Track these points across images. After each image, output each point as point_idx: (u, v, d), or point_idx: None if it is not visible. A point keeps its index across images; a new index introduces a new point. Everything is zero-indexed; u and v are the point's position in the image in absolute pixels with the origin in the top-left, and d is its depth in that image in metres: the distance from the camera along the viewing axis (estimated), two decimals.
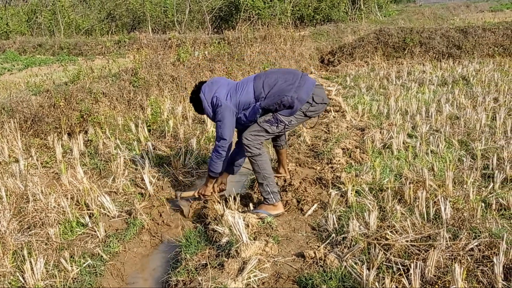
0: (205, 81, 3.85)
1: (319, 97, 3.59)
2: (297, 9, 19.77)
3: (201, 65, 8.59)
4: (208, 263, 2.92)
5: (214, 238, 3.32)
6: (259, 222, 3.47)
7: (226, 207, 3.73)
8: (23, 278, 2.84)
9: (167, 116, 6.40)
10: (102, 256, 3.27)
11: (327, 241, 3.11)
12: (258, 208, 3.67)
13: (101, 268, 3.16)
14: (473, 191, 3.50)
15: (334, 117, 6.44)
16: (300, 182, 4.13)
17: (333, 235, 3.15)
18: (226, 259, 2.88)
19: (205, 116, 4.97)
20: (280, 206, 3.66)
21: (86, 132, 5.70)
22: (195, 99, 3.82)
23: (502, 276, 2.46)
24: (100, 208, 3.82)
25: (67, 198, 3.88)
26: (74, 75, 7.17)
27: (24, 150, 5.11)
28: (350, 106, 6.85)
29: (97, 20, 22.88)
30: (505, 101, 6.32)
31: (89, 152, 5.13)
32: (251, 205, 3.81)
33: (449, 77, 8.52)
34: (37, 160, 4.79)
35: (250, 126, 3.64)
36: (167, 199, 4.27)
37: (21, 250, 3.06)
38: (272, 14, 18.41)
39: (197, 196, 4.09)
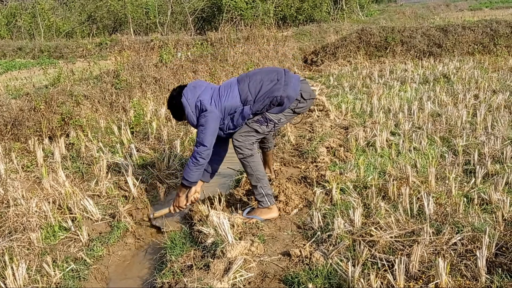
0: (185, 85, 3.57)
1: (307, 93, 3.53)
2: (279, 10, 19.83)
3: (184, 66, 8.55)
4: (193, 264, 2.89)
5: (199, 239, 3.30)
6: (244, 222, 3.46)
7: (212, 208, 3.71)
8: (5, 284, 2.78)
9: (150, 118, 6.35)
10: (85, 260, 3.23)
11: (313, 239, 3.12)
12: (252, 213, 3.57)
13: (84, 272, 3.12)
14: (455, 187, 3.55)
15: (318, 116, 6.47)
16: (285, 182, 4.13)
17: (319, 233, 3.16)
18: (212, 260, 2.87)
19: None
20: (274, 209, 3.56)
21: (67, 136, 5.62)
22: (175, 105, 3.53)
23: (485, 269, 2.49)
24: (83, 211, 3.76)
25: (49, 202, 3.82)
26: (54, 78, 7.07)
27: (4, 154, 5.01)
28: (333, 105, 6.88)
29: (78, 22, 22.61)
30: (485, 97, 6.42)
31: (71, 155, 5.06)
32: (238, 206, 3.80)
33: (430, 75, 8.63)
34: (18, 165, 4.70)
35: (238, 129, 3.52)
36: (140, 220, 3.99)
37: (2, 256, 3.00)
38: (254, 15, 18.44)
39: (172, 211, 3.76)
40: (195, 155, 3.39)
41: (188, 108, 3.44)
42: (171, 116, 3.78)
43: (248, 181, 3.68)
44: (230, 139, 3.67)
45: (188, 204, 3.73)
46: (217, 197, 3.85)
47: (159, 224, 3.89)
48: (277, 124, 3.51)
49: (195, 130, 3.61)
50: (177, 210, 3.76)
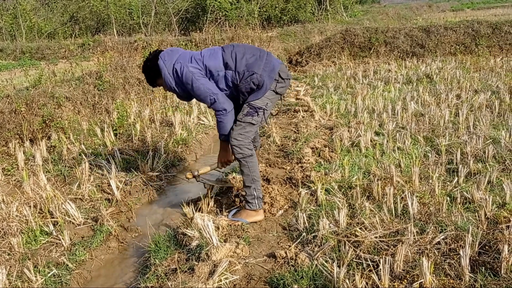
0: (161, 50, 3.51)
1: (284, 73, 3.48)
2: (264, 10, 19.83)
3: None
4: (178, 268, 2.86)
5: (184, 242, 3.26)
6: (229, 224, 3.43)
7: (196, 210, 3.68)
8: None
9: (134, 119, 6.28)
10: (67, 265, 3.17)
11: (298, 240, 3.11)
12: (238, 215, 3.54)
13: (66, 278, 3.07)
14: (438, 186, 3.58)
15: (303, 116, 6.47)
16: (270, 182, 4.12)
17: (304, 234, 3.15)
18: (196, 263, 2.84)
19: (173, 117, 4.87)
20: (260, 213, 3.54)
21: (49, 138, 5.53)
22: (150, 67, 3.47)
23: (469, 268, 2.51)
24: (64, 215, 3.70)
25: (30, 206, 3.76)
26: (35, 80, 6.95)
27: None
28: (318, 105, 6.89)
29: (60, 23, 22.30)
30: (467, 97, 6.50)
31: (52, 158, 4.98)
32: (224, 208, 3.77)
33: (413, 75, 8.71)
34: None
35: (232, 127, 3.46)
36: (188, 178, 3.84)
37: None
38: (239, 16, 18.40)
39: (219, 168, 3.79)
40: (217, 113, 3.38)
41: (165, 70, 3.38)
42: (145, 80, 3.71)
43: (242, 180, 3.62)
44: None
45: (233, 159, 3.67)
46: (202, 199, 3.82)
47: (205, 181, 3.85)
48: (266, 110, 3.44)
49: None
50: (225, 166, 3.76)
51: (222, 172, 4.73)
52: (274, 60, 3.47)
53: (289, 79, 3.56)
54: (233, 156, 3.58)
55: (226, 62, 3.37)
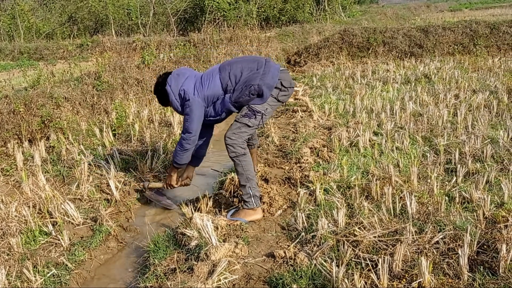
0: (170, 72, 3.72)
1: (287, 81, 3.54)
2: (262, 11, 19.82)
3: (166, 68, 8.49)
4: (177, 268, 2.87)
5: (183, 242, 3.27)
6: (228, 224, 3.44)
7: (195, 210, 3.68)
8: None
9: (133, 119, 6.28)
10: (67, 265, 3.17)
11: (297, 240, 3.11)
12: (236, 215, 3.56)
13: (66, 278, 3.07)
14: (437, 186, 3.59)
15: (302, 117, 6.48)
16: (269, 182, 4.13)
17: (303, 233, 3.16)
18: (196, 263, 2.84)
19: (172, 117, 4.90)
20: (259, 212, 3.56)
21: (48, 138, 5.52)
22: (161, 91, 3.70)
23: (467, 267, 2.52)
24: (63, 215, 3.70)
25: (29, 207, 3.75)
26: (34, 80, 6.94)
27: None
28: (317, 105, 6.90)
29: (58, 23, 22.25)
30: (465, 97, 6.51)
31: (51, 158, 4.97)
32: (222, 208, 3.78)
33: (411, 75, 8.72)
34: None
35: (218, 117, 3.62)
36: (135, 190, 4.28)
37: None
38: (237, 16, 18.40)
39: (164, 187, 4.09)
40: (182, 141, 3.60)
41: (172, 95, 3.59)
42: (157, 101, 3.95)
43: (237, 180, 3.67)
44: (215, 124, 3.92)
45: (177, 185, 4.01)
46: (201, 199, 3.82)
47: (150, 196, 4.22)
48: (264, 115, 3.50)
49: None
50: (169, 188, 4.07)
51: (221, 172, 4.74)
52: (273, 69, 3.51)
53: (292, 87, 3.63)
54: (178, 184, 4.00)
55: (226, 85, 3.52)
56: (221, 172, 4.75)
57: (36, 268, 3.07)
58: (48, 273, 3.03)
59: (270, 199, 3.78)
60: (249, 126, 3.48)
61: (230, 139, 3.44)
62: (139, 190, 4.37)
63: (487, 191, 3.53)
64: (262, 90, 3.42)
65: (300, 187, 3.96)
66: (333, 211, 3.28)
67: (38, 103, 5.68)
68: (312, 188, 3.86)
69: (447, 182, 3.77)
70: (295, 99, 7.56)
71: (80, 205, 4.02)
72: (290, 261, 2.86)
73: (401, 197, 3.45)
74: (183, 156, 3.68)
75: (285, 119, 6.66)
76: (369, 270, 2.60)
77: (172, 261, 3.02)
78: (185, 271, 2.82)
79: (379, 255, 2.66)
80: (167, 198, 4.32)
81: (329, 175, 4.11)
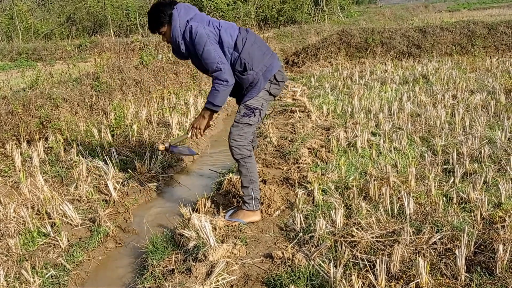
0: (176, 1, 3.38)
1: (280, 76, 3.49)
2: (260, 11, 19.83)
3: (165, 68, 8.49)
4: (175, 268, 2.87)
5: (181, 243, 3.27)
6: (226, 224, 3.44)
7: (193, 211, 3.69)
8: None
9: (131, 120, 6.29)
10: (65, 266, 3.17)
11: (295, 241, 3.12)
12: (235, 215, 3.56)
13: (64, 279, 3.07)
14: (434, 186, 3.60)
15: (300, 117, 6.49)
16: (267, 183, 4.13)
17: (301, 234, 3.16)
18: (194, 264, 2.85)
19: (170, 118, 4.80)
20: (258, 214, 3.55)
21: (46, 139, 5.52)
22: (160, 12, 3.31)
23: (465, 268, 2.53)
24: (62, 216, 3.70)
25: (27, 208, 3.75)
26: (32, 81, 6.94)
27: None
28: (315, 106, 6.91)
29: (57, 24, 22.24)
30: (463, 97, 6.53)
31: (49, 159, 4.97)
32: (221, 208, 3.78)
33: (409, 75, 8.74)
34: None
35: (230, 129, 3.47)
36: (160, 150, 3.83)
37: None
38: (236, 16, 18.41)
39: (189, 135, 3.64)
40: (217, 82, 3.27)
41: (177, 22, 3.29)
42: (148, 24, 3.51)
43: (240, 180, 3.63)
44: None
45: (205, 132, 3.62)
46: (199, 199, 3.83)
47: (176, 151, 3.84)
48: (262, 110, 3.45)
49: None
50: (195, 134, 3.58)
51: (219, 173, 4.75)
52: (275, 62, 3.47)
53: (284, 82, 3.57)
54: (205, 130, 3.58)
55: (236, 43, 3.32)
56: (219, 173, 4.75)
57: (35, 269, 3.07)
58: (47, 274, 3.03)
59: (268, 199, 3.78)
60: (251, 125, 3.45)
61: (235, 141, 3.39)
62: (163, 150, 3.86)
63: (485, 191, 3.54)
64: (258, 79, 3.37)
65: (298, 188, 3.96)
66: (331, 211, 3.28)
67: (37, 104, 5.67)
68: (310, 189, 3.87)
69: (444, 183, 3.78)
70: (293, 99, 7.58)
71: (79, 206, 4.02)
72: (288, 262, 2.86)
73: (399, 198, 3.46)
74: (221, 95, 3.29)
75: (283, 119, 6.67)
76: (367, 270, 2.61)
77: (170, 262, 3.02)
78: (183, 272, 2.83)
79: (377, 256, 2.67)
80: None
81: (327, 175, 4.12)
